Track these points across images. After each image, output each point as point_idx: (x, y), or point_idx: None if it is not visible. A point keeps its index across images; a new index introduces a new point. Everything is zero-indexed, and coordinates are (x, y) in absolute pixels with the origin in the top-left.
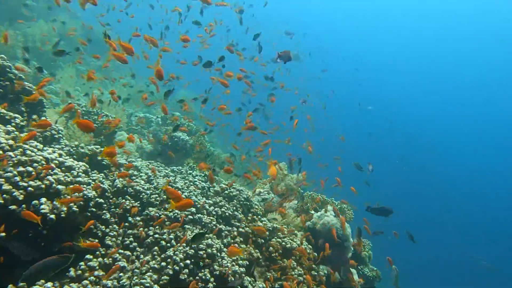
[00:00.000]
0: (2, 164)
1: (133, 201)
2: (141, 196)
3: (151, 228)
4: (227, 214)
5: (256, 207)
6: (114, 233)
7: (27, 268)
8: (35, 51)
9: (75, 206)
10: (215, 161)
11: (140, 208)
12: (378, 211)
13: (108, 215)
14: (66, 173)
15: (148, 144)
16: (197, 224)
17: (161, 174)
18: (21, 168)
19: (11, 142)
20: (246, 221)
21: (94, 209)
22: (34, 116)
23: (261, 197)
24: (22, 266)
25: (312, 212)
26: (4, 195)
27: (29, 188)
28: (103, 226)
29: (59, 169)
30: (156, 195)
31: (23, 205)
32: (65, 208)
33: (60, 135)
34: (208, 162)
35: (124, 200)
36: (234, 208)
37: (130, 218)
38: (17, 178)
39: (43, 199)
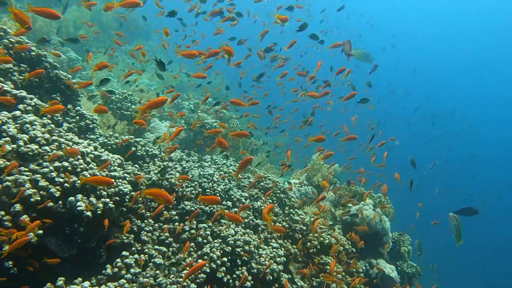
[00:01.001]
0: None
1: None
2: (176, 189)
3: (186, 223)
4: (263, 207)
5: (293, 200)
6: (150, 228)
7: (65, 265)
8: (69, 37)
9: (111, 202)
10: (248, 148)
11: (175, 201)
12: (464, 212)
13: (143, 210)
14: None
15: (181, 132)
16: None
17: (195, 164)
18: (57, 164)
19: (47, 135)
20: (283, 215)
21: (129, 204)
22: (69, 106)
23: (297, 188)
24: (59, 264)
25: (350, 205)
26: (41, 192)
27: (65, 184)
28: (139, 221)
29: (94, 163)
30: (192, 188)
31: (60, 202)
32: (101, 205)
33: (95, 124)
34: (240, 148)
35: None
36: (271, 200)
37: (165, 213)
38: (54, 174)
39: (79, 196)
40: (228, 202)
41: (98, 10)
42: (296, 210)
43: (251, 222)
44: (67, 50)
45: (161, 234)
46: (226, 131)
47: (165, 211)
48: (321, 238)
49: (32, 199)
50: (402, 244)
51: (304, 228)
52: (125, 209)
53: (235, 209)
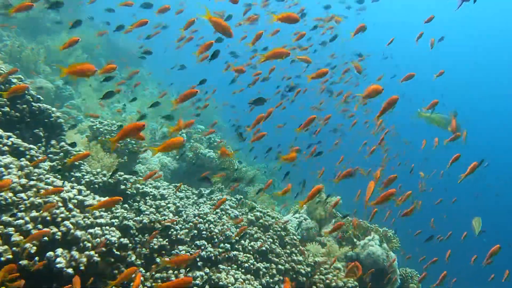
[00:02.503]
0: None
1: (160, 239)
2: (170, 232)
3: (181, 270)
4: (263, 248)
5: (295, 238)
6: (141, 278)
7: None
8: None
9: (97, 255)
10: (243, 177)
11: (168, 246)
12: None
13: (133, 257)
14: (86, 214)
15: (173, 161)
16: (233, 263)
17: (189, 202)
18: (34, 213)
19: (23, 181)
20: (284, 256)
21: (118, 252)
22: (53, 142)
23: (297, 223)
24: None
25: (355, 240)
26: (14, 248)
27: (44, 238)
28: None
29: (78, 210)
30: (186, 230)
31: (36, 258)
32: (85, 259)
33: (81, 161)
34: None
35: (152, 240)
36: (271, 240)
37: (158, 259)
38: (30, 226)
39: (59, 250)
40: (226, 244)
41: (88, 38)
42: (298, 249)
43: (251, 266)
44: (54, 79)
45: (153, 285)
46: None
47: (158, 258)
48: (328, 281)
49: (2, 258)
50: (411, 281)
51: (309, 269)
52: (112, 259)
53: (234, 252)
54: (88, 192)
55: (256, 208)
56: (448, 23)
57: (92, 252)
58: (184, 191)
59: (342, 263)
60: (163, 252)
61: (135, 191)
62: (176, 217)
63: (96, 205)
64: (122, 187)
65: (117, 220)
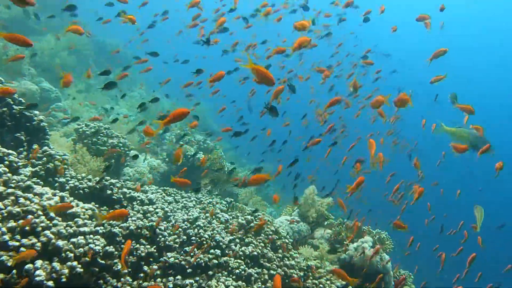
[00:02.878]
0: None
1: (148, 246)
2: (157, 239)
3: (170, 278)
4: (255, 253)
5: (287, 241)
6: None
7: None
8: (43, 66)
9: (80, 265)
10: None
11: (157, 253)
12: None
13: (120, 266)
14: (69, 223)
15: (162, 164)
16: (223, 269)
17: (178, 206)
18: (12, 224)
19: (1, 188)
20: (276, 260)
21: (103, 261)
22: (35, 146)
23: (289, 226)
24: None
25: (347, 243)
26: None
27: (22, 249)
28: (114, 280)
29: (60, 218)
30: (175, 236)
31: (14, 271)
32: (66, 271)
33: (65, 165)
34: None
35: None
36: (263, 244)
37: (145, 268)
38: (6, 237)
39: (39, 262)
40: (216, 250)
41: (75, 39)
42: (291, 253)
43: (242, 272)
44: (40, 81)
45: None
46: (211, 161)
47: (145, 266)
48: (321, 286)
49: None
50: (405, 283)
51: (302, 274)
52: (97, 268)
53: (225, 258)
54: (72, 198)
55: (247, 212)
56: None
57: (75, 263)
58: (173, 195)
59: (335, 265)
60: (151, 259)
61: (122, 196)
62: (165, 222)
63: (105, 215)
64: (109, 192)
65: (102, 228)
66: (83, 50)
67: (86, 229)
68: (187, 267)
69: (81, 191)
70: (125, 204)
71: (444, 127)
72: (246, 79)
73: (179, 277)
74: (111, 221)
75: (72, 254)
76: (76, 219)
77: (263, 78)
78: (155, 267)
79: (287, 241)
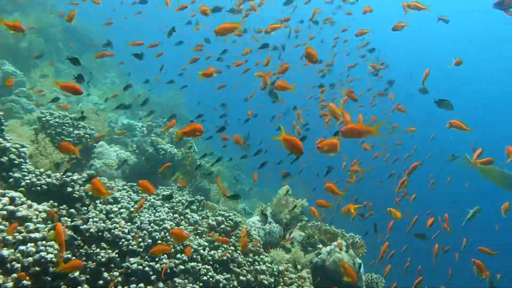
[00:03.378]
0: None
1: (109, 250)
2: (120, 242)
3: (132, 286)
4: (224, 257)
5: (259, 244)
6: None
7: None
8: (8, 49)
9: (27, 278)
10: (205, 173)
11: (118, 258)
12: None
13: (77, 273)
14: (19, 228)
15: (132, 156)
16: (190, 275)
17: (145, 204)
18: None
19: None
20: (246, 265)
21: (55, 270)
22: None
23: (261, 227)
24: None
25: (320, 246)
26: None
27: None
28: None
29: (6, 222)
30: (140, 240)
31: None
32: (10, 284)
33: (22, 159)
34: (198, 175)
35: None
36: (233, 247)
37: (105, 274)
38: None
39: None
40: (182, 254)
41: (44, 20)
42: (262, 256)
43: (210, 279)
44: (3, 63)
45: None
46: (183, 155)
47: (106, 273)
48: None
49: None
50: (376, 286)
51: (272, 280)
52: (49, 278)
53: (192, 264)
54: (24, 199)
55: (218, 212)
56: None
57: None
58: (140, 193)
59: (307, 269)
60: (112, 265)
61: (83, 194)
62: (129, 223)
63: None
64: (69, 189)
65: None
66: (52, 32)
67: (37, 235)
68: (151, 273)
69: (38, 188)
70: (87, 203)
71: (473, 162)
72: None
73: (141, 285)
74: (67, 223)
75: (19, 265)
76: (27, 224)
77: (292, 147)
78: (116, 273)
79: (258, 244)
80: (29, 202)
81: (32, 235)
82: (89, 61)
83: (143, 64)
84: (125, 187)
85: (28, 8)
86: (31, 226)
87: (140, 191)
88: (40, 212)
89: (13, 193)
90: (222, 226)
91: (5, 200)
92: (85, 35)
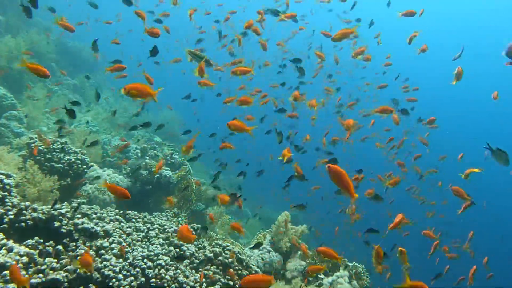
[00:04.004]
0: None
1: None
2: (110, 283)
3: None
4: None
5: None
6: None
7: None
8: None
9: None
10: (202, 197)
11: None
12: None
13: None
14: None
15: (125, 180)
16: None
17: (139, 236)
18: None
19: None
20: None
21: None
22: None
23: (260, 256)
24: None
25: (322, 276)
26: None
27: None
28: None
29: None
30: (132, 278)
31: None
32: None
33: (5, 192)
34: (193, 199)
35: None
36: (232, 282)
37: None
38: None
39: None
40: None
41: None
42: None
43: None
44: None
45: None
46: (178, 178)
47: None
48: None
49: None
50: None
51: None
52: None
53: None
54: (3, 241)
55: (215, 242)
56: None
57: None
58: (133, 220)
59: None
60: None
61: (72, 228)
62: (121, 260)
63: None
64: (56, 224)
65: (42, 276)
66: (45, 53)
67: (11, 286)
68: None
69: (23, 224)
70: (75, 238)
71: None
72: None
73: None
74: (52, 264)
75: None
76: (4, 273)
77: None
78: None
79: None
80: (10, 244)
81: (9, 286)
82: (82, 81)
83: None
84: (117, 217)
85: (21, 30)
86: (8, 275)
87: (134, 219)
88: (21, 256)
89: None
90: (220, 258)
91: None
92: (78, 55)
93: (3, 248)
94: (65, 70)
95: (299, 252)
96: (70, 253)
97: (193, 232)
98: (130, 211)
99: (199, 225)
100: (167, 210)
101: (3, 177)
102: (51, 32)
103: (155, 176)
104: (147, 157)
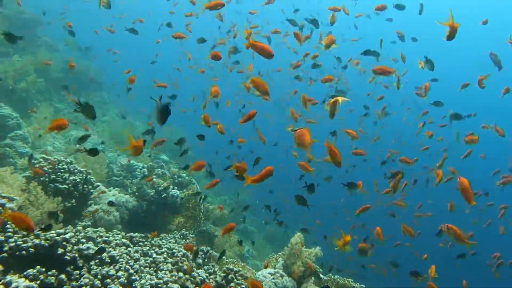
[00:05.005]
0: None
1: None
2: None
3: None
4: None
5: None
6: None
7: None
8: (4, 90)
9: None
10: (209, 216)
11: None
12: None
13: None
14: None
15: (131, 199)
16: None
17: (146, 261)
18: None
19: None
20: None
21: None
22: None
23: (272, 282)
24: None
25: None
26: None
27: None
28: None
29: None
30: None
31: None
32: None
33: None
34: (201, 219)
35: None
36: None
37: None
38: None
39: None
40: None
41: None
42: None
43: None
44: None
45: None
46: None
47: None
48: None
49: None
50: None
51: None
52: None
53: None
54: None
55: (226, 266)
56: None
57: None
58: (140, 244)
59: None
60: None
61: (77, 255)
62: None
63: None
64: (60, 251)
65: None
66: (52, 72)
67: None
68: None
69: (24, 252)
70: (80, 265)
71: None
72: None
73: None
74: None
75: None
76: None
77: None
78: None
79: None
80: (8, 278)
81: None
82: (88, 99)
83: (144, 102)
84: (124, 240)
85: (28, 50)
86: None
87: (142, 242)
88: None
89: None
90: (232, 284)
91: None
92: (84, 73)
93: (1, 282)
94: (72, 89)
95: (312, 278)
96: (74, 283)
97: (203, 255)
98: (136, 234)
99: (208, 248)
100: (175, 231)
101: (4, 201)
102: (57, 51)
103: (162, 196)
104: (154, 176)
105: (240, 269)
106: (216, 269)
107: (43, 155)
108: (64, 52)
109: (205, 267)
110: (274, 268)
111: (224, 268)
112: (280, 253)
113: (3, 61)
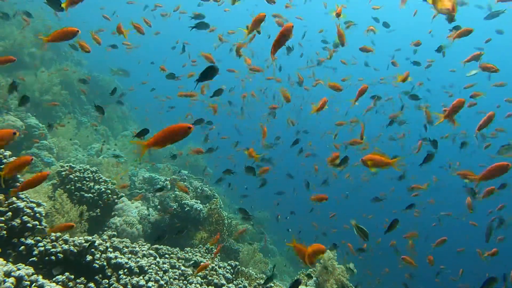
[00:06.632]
0: None
1: None
2: None
3: None
4: None
5: None
6: None
7: None
8: (32, 101)
9: None
10: (232, 232)
11: None
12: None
13: None
14: None
15: (154, 212)
16: None
17: (175, 273)
18: None
19: None
20: None
21: None
22: (0, 197)
23: None
24: None
25: None
26: None
27: None
28: None
29: None
30: None
31: None
32: None
33: (36, 221)
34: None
35: None
36: None
37: None
38: None
39: None
40: None
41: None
42: None
43: None
44: (27, 116)
45: None
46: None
47: None
48: None
49: None
50: None
51: None
52: None
53: None
54: (34, 277)
55: (257, 282)
56: None
57: None
58: (167, 256)
59: None
60: None
61: (105, 263)
62: None
63: None
64: (89, 258)
65: None
66: (75, 85)
67: None
68: None
69: (53, 258)
70: (108, 274)
71: None
72: None
73: None
74: None
75: None
76: None
77: None
78: None
79: None
80: (40, 280)
81: None
82: (110, 113)
83: (166, 116)
84: (150, 251)
85: (54, 63)
86: None
87: (168, 255)
88: None
89: (21, 271)
90: None
91: (9, 283)
92: (106, 88)
93: (34, 285)
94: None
95: None
96: None
97: (231, 269)
98: (162, 246)
99: (236, 262)
100: (199, 246)
101: (33, 205)
102: (82, 66)
103: (185, 209)
104: (177, 189)
105: (273, 285)
106: (246, 283)
107: (70, 164)
108: (89, 67)
109: (235, 282)
110: (306, 285)
111: (255, 284)
112: (310, 270)
113: (29, 74)
